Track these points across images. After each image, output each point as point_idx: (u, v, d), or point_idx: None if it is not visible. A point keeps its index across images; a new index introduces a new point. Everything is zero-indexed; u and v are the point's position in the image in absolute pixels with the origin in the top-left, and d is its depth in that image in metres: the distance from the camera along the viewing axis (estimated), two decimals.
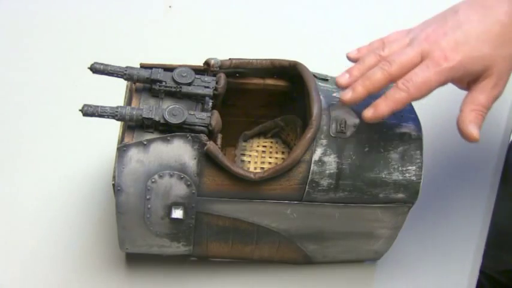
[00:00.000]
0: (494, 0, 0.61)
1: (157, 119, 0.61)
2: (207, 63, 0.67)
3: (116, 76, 0.65)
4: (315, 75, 0.67)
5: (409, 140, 0.65)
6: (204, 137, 0.61)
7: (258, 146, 0.74)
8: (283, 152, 0.73)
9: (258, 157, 0.73)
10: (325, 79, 0.68)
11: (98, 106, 0.62)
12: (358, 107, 0.63)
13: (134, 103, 0.65)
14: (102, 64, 0.65)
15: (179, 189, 0.62)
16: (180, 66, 0.66)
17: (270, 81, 0.70)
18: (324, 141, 0.63)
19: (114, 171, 0.62)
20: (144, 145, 0.61)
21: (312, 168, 0.63)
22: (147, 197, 0.62)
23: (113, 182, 0.62)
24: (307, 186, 0.63)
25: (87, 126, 0.74)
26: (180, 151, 0.61)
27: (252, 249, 0.70)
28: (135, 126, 0.63)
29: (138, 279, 0.72)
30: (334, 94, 0.66)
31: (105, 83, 0.70)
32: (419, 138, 0.65)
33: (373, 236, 0.69)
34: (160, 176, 0.62)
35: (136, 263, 0.73)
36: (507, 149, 0.85)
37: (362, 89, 0.60)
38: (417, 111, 0.67)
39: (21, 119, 0.84)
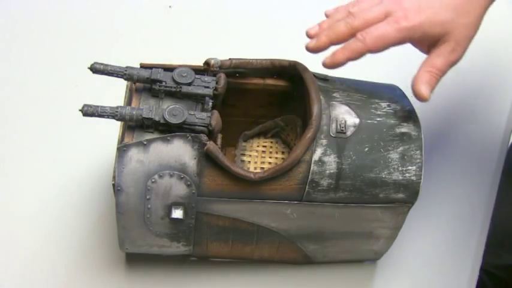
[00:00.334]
0: None
1: (157, 119, 0.61)
2: (207, 63, 0.67)
3: (116, 76, 0.65)
4: (315, 75, 0.67)
5: (409, 140, 0.65)
6: (204, 137, 0.61)
7: (258, 146, 0.74)
8: (283, 152, 0.73)
9: (258, 157, 0.73)
10: (325, 79, 0.68)
11: (98, 106, 0.62)
12: (356, 106, 0.63)
13: (134, 103, 0.65)
14: (102, 64, 0.65)
15: (179, 189, 0.62)
16: (180, 66, 0.66)
17: (270, 81, 0.70)
18: (324, 141, 0.63)
19: (114, 171, 0.62)
20: (144, 145, 0.61)
21: (312, 168, 0.63)
22: (147, 197, 0.62)
23: (113, 182, 0.62)
24: (307, 186, 0.63)
25: (87, 126, 0.74)
26: (180, 151, 0.61)
27: (252, 249, 0.70)
28: (135, 126, 0.63)
29: (138, 279, 0.72)
30: (334, 94, 0.66)
31: (105, 83, 0.70)
32: (419, 138, 0.65)
33: (373, 236, 0.69)
34: (160, 176, 0.62)
35: (136, 263, 0.73)
36: (508, 149, 0.85)
37: (325, 39, 0.63)
38: (417, 111, 0.67)
39: (22, 119, 0.84)
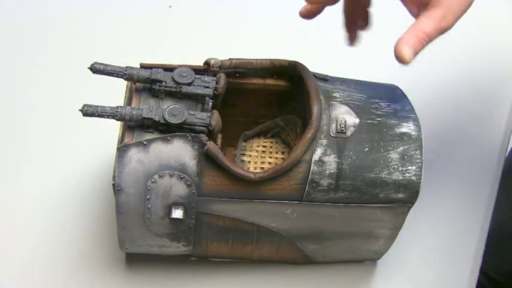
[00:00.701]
0: None
1: (157, 119, 0.61)
2: (207, 63, 0.67)
3: (116, 76, 0.65)
4: (315, 75, 0.67)
5: (409, 140, 0.65)
6: (204, 137, 0.61)
7: (258, 146, 0.74)
8: (283, 152, 0.73)
9: (258, 157, 0.73)
10: (325, 79, 0.68)
11: (98, 106, 0.62)
12: (356, 106, 0.63)
13: (134, 103, 0.65)
14: (102, 64, 0.65)
15: (179, 189, 0.62)
16: (180, 66, 0.66)
17: (270, 81, 0.70)
18: (324, 141, 0.63)
19: (114, 171, 0.62)
20: (144, 145, 0.61)
21: (312, 168, 0.63)
22: (147, 197, 0.62)
23: (113, 182, 0.62)
24: (307, 186, 0.63)
25: (87, 126, 0.74)
26: (180, 151, 0.61)
27: (252, 249, 0.70)
28: (135, 126, 0.63)
29: (138, 279, 0.72)
30: (334, 94, 0.66)
31: (105, 83, 0.70)
32: (419, 138, 0.65)
33: (373, 236, 0.69)
34: (160, 176, 0.62)
35: (136, 263, 0.73)
36: (508, 152, 0.85)
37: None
38: (417, 111, 0.67)
39: (22, 119, 0.84)
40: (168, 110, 0.62)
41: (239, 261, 0.72)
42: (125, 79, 0.65)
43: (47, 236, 0.75)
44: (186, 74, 0.65)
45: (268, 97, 0.72)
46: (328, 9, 0.65)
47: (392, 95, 0.69)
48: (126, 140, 0.62)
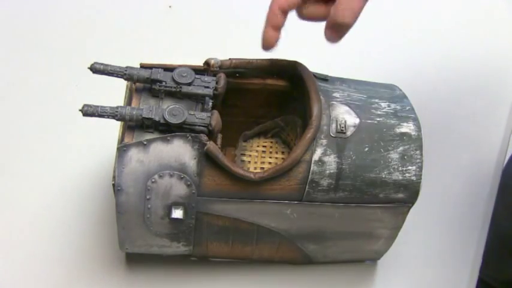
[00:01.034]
0: None
1: (157, 119, 0.61)
2: (207, 63, 0.67)
3: (116, 76, 0.65)
4: (315, 75, 0.67)
5: (409, 140, 0.65)
6: (204, 137, 0.61)
7: (258, 146, 0.74)
8: (283, 152, 0.73)
9: (258, 157, 0.73)
10: (325, 79, 0.68)
11: (98, 106, 0.62)
12: (356, 106, 0.63)
13: (134, 103, 0.65)
14: (102, 64, 0.65)
15: (179, 189, 0.62)
16: (180, 66, 0.66)
17: (270, 81, 0.70)
18: (324, 141, 0.63)
19: (114, 171, 0.62)
20: (144, 145, 0.61)
21: (312, 168, 0.63)
22: (147, 197, 0.62)
23: (113, 182, 0.62)
24: (307, 186, 0.63)
25: (87, 126, 0.73)
26: (180, 151, 0.61)
27: (252, 249, 0.70)
28: (135, 126, 0.63)
29: (138, 279, 0.72)
30: (334, 94, 0.66)
31: (105, 83, 0.70)
32: (419, 138, 0.65)
33: (373, 236, 0.69)
34: (160, 176, 0.62)
35: (136, 263, 0.73)
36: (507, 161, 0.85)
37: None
38: (417, 111, 0.67)
39: (22, 119, 0.84)
40: (168, 110, 0.62)
41: (239, 261, 0.72)
42: (125, 79, 0.65)
43: (47, 236, 0.75)
44: (186, 74, 0.65)
45: (268, 97, 0.72)
46: None
47: (392, 95, 0.69)
48: (126, 140, 0.62)
